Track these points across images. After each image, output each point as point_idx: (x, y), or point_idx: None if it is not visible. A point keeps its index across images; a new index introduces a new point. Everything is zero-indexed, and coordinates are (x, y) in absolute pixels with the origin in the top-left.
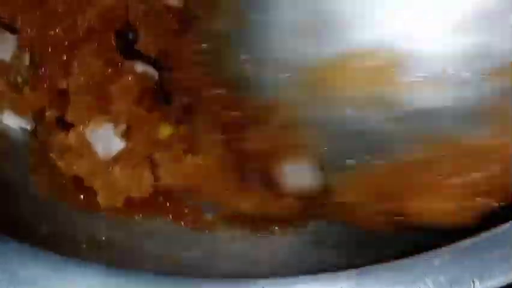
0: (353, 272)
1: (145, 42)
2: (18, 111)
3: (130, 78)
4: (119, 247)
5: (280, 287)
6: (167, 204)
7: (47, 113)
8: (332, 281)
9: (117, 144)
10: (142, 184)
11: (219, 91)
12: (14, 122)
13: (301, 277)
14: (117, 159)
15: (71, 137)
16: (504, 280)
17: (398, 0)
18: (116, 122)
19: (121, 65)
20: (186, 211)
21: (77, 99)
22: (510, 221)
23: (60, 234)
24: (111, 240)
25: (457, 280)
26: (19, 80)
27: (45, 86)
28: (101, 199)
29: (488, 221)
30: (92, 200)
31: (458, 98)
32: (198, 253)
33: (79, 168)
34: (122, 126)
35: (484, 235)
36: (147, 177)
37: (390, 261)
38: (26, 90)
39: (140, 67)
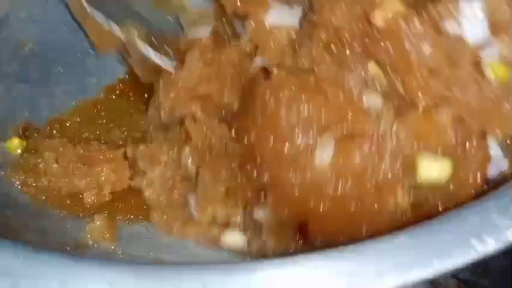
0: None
1: None
2: None
3: None
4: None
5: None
6: None
7: None
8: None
9: None
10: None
11: None
12: None
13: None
14: None
15: None
16: (462, 260)
17: None
18: None
19: None
20: None
21: None
22: (464, 205)
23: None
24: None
25: (418, 261)
26: None
27: None
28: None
29: None
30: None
31: None
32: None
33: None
34: None
35: (441, 217)
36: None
37: (354, 243)
38: None
39: None
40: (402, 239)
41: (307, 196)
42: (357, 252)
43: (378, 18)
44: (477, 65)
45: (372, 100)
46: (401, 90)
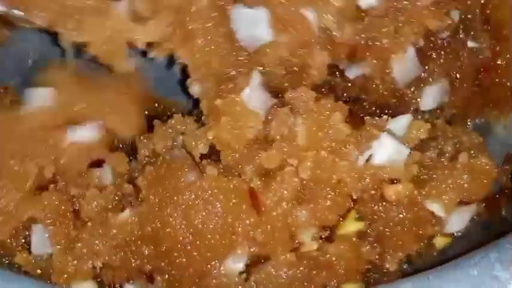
0: None
1: None
2: None
3: None
4: None
5: None
6: None
7: None
8: None
9: None
10: None
11: None
12: None
13: None
14: None
15: None
16: None
17: None
18: None
19: None
20: None
21: None
22: (466, 255)
23: None
24: None
25: None
26: None
27: None
28: None
29: None
30: None
31: None
32: None
33: None
34: None
35: (444, 268)
36: None
37: None
38: None
39: None
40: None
41: None
42: None
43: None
44: None
45: (306, 238)
46: None
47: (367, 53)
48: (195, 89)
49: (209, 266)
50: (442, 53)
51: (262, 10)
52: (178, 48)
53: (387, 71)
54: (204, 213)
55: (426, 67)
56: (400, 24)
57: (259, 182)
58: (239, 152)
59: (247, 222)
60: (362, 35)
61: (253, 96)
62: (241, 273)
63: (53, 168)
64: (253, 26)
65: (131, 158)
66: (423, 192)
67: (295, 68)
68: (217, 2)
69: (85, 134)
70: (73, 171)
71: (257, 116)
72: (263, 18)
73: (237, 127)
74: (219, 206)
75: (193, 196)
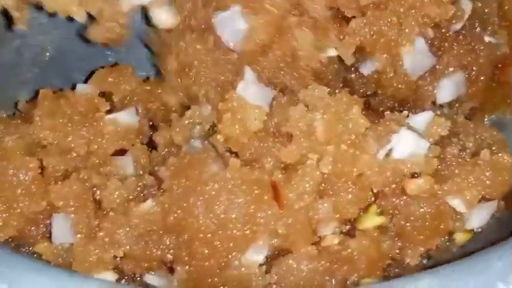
0: None
1: None
2: None
3: None
4: None
5: None
6: None
7: None
8: None
9: None
10: None
11: None
12: None
13: None
14: None
15: None
16: None
17: None
18: None
19: None
20: None
21: None
22: (490, 247)
23: None
24: None
25: None
26: None
27: None
28: None
29: None
30: None
31: None
32: None
33: None
34: None
35: (467, 260)
36: None
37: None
38: None
39: None
40: (428, 281)
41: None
42: None
43: (413, 186)
44: None
45: (327, 231)
46: None
47: (376, 48)
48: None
49: (230, 256)
50: (455, 44)
51: (235, 7)
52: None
53: (400, 63)
54: (227, 204)
55: (441, 59)
56: (402, 15)
57: (280, 175)
58: (251, 146)
59: (269, 213)
60: (366, 30)
61: (249, 90)
62: (261, 265)
63: (86, 148)
64: (232, 22)
65: (151, 150)
66: (445, 188)
67: (288, 59)
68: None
69: (124, 117)
70: (102, 156)
71: (258, 109)
72: (237, 11)
73: (239, 122)
74: (241, 196)
75: (216, 186)
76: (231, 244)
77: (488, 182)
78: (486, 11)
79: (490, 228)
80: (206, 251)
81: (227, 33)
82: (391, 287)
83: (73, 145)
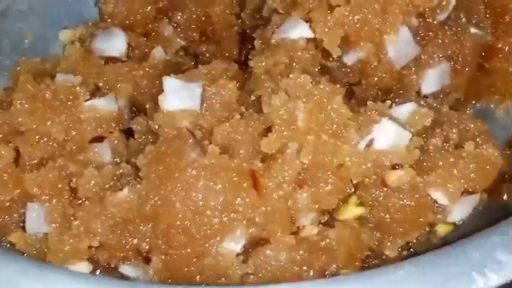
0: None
1: None
2: None
3: None
4: None
5: None
6: None
7: None
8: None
9: None
10: None
11: None
12: None
13: None
14: None
15: None
16: None
17: None
18: None
19: None
20: None
21: None
22: (468, 237)
23: None
24: None
25: None
26: None
27: None
28: None
29: None
30: None
31: None
32: None
33: None
34: None
35: (446, 249)
36: None
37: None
38: None
39: None
40: (407, 269)
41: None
42: (362, 282)
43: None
44: None
45: (306, 221)
46: None
47: (360, 37)
48: None
49: (207, 245)
50: (440, 34)
51: None
52: None
53: (384, 52)
54: (205, 191)
55: (426, 49)
56: (387, 3)
57: (260, 164)
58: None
59: (247, 201)
60: (350, 18)
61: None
62: (239, 254)
63: (64, 134)
64: None
65: (128, 138)
66: (428, 180)
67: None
68: None
69: (104, 104)
70: (79, 143)
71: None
72: None
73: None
74: (219, 183)
75: (194, 173)
76: (208, 232)
77: (472, 175)
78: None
79: (469, 218)
80: (183, 239)
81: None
82: (370, 276)
83: (50, 130)
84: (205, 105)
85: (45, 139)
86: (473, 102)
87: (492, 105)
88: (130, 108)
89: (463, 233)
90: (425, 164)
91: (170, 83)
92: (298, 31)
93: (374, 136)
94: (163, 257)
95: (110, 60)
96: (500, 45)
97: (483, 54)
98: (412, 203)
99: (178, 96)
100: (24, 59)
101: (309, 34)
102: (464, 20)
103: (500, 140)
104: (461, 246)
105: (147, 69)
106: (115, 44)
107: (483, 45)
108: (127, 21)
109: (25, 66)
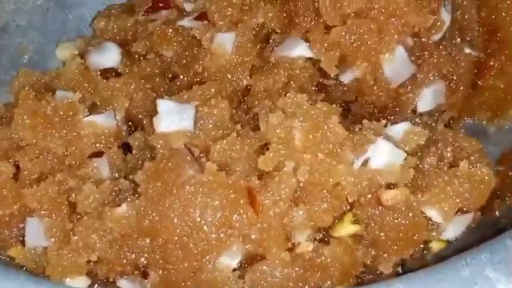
0: None
1: None
2: None
3: None
4: None
5: None
6: None
7: None
8: None
9: None
10: None
11: None
12: None
13: None
14: None
15: None
16: None
17: None
18: None
19: None
20: None
21: None
22: (458, 255)
23: None
24: None
25: None
26: None
27: None
28: None
29: None
30: None
31: None
32: None
33: None
34: None
35: (437, 267)
36: None
37: None
38: None
39: None
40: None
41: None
42: None
43: (388, 197)
44: None
45: (301, 238)
46: None
47: (357, 56)
48: None
49: (204, 260)
50: (435, 54)
51: None
52: None
53: (380, 71)
54: (202, 207)
55: (421, 68)
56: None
57: (257, 181)
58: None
59: (244, 217)
60: (347, 38)
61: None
62: (235, 270)
63: (64, 149)
64: None
65: (125, 153)
66: (423, 199)
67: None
68: None
69: (103, 120)
70: (78, 158)
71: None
72: None
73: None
74: (217, 200)
75: (192, 189)
76: (206, 247)
77: (466, 194)
78: (466, 17)
79: (465, 233)
80: (180, 254)
81: None
82: None
83: (50, 145)
84: (198, 125)
85: (45, 154)
86: (466, 118)
87: (484, 122)
88: (127, 122)
89: (454, 248)
90: (419, 182)
91: (164, 105)
92: (298, 50)
93: (369, 155)
94: (160, 271)
95: (107, 72)
96: (492, 63)
97: (475, 71)
98: (407, 222)
99: (172, 118)
100: (24, 70)
101: (309, 53)
102: (458, 39)
103: (493, 156)
104: (451, 263)
105: (142, 80)
106: (109, 55)
107: (475, 63)
108: (118, 37)
109: (25, 78)
